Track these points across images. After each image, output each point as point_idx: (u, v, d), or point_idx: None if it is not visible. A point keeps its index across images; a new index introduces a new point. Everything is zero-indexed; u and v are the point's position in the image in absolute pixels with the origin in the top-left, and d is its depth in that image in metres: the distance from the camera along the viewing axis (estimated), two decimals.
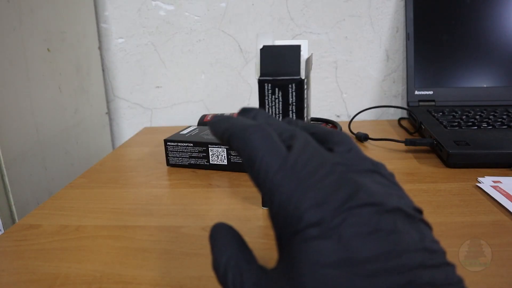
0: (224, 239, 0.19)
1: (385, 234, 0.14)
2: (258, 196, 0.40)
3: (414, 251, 0.14)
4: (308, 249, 0.14)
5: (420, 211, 0.16)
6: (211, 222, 0.35)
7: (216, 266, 0.18)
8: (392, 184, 0.17)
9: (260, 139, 0.17)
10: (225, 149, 0.45)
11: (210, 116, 0.63)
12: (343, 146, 0.18)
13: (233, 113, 0.63)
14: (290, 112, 0.33)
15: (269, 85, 0.32)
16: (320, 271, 0.14)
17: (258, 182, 0.17)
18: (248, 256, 0.18)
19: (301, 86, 0.32)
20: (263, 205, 0.37)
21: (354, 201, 0.15)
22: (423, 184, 0.41)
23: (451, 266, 0.14)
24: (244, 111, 0.21)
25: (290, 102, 0.32)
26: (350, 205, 0.15)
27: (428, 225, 0.16)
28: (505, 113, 0.56)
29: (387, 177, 0.17)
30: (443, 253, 0.15)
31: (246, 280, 0.17)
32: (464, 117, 0.56)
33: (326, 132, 0.20)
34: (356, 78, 0.73)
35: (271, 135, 0.18)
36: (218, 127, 0.20)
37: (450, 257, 0.28)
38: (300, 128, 0.21)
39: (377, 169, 0.17)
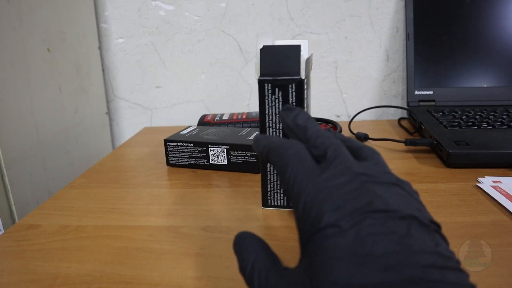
0: (250, 244, 0.21)
1: (399, 236, 0.15)
2: (258, 196, 0.40)
3: (426, 253, 0.15)
4: (327, 245, 0.16)
5: (437, 225, 0.17)
6: (211, 222, 0.35)
7: (243, 267, 0.20)
8: (413, 199, 0.18)
9: (293, 153, 0.20)
10: (225, 149, 0.45)
11: (210, 116, 0.63)
12: (371, 160, 0.20)
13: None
14: None
15: (269, 85, 0.32)
16: (338, 264, 0.15)
17: (288, 189, 0.19)
18: (273, 258, 0.20)
19: (301, 86, 0.32)
20: (263, 205, 0.37)
21: (370, 207, 0.16)
22: (423, 184, 0.41)
23: (464, 273, 0.15)
24: (287, 109, 0.23)
25: (290, 102, 0.32)
26: (366, 209, 0.16)
27: (444, 239, 0.17)
28: (505, 113, 0.56)
29: (409, 193, 0.18)
30: (457, 261, 0.15)
31: (270, 276, 0.18)
32: (464, 117, 0.56)
33: (359, 147, 0.21)
34: (356, 78, 0.73)
35: (303, 150, 0.20)
36: (259, 144, 0.23)
37: None
38: (336, 137, 0.22)
39: (399, 184, 0.18)
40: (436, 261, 0.14)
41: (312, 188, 0.18)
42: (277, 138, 0.22)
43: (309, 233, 0.17)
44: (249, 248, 0.20)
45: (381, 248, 0.15)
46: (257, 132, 0.49)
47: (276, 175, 0.35)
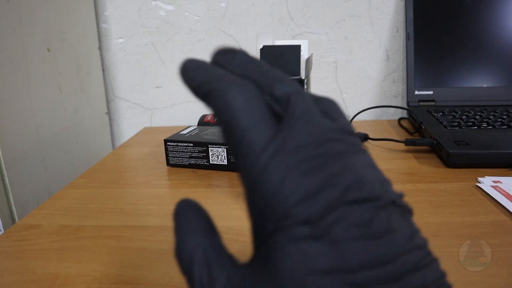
0: (191, 221, 0.16)
1: (379, 236, 0.13)
2: None
3: (407, 253, 0.13)
4: (295, 251, 0.12)
5: (402, 196, 0.15)
6: None
7: (179, 254, 0.16)
8: (376, 165, 0.15)
9: (245, 104, 0.14)
10: (225, 149, 0.45)
11: (210, 116, 0.63)
12: (337, 117, 0.15)
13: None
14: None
15: None
16: (307, 279, 0.12)
17: (237, 159, 0.14)
18: (218, 245, 0.16)
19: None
20: None
21: (350, 195, 0.13)
22: (423, 184, 0.41)
23: (436, 261, 0.14)
24: (224, 53, 0.17)
25: None
26: (345, 199, 0.13)
27: (410, 211, 0.15)
28: (505, 113, 0.56)
29: (371, 157, 0.15)
30: (427, 245, 0.14)
31: (215, 276, 0.15)
32: (464, 117, 0.56)
33: (317, 97, 0.17)
34: (356, 78, 0.73)
35: (259, 100, 0.15)
36: (193, 77, 0.16)
37: (450, 257, 0.28)
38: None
39: (364, 148, 0.15)
40: (417, 262, 0.13)
41: (273, 165, 0.13)
42: (218, 70, 0.16)
43: (268, 229, 0.13)
44: (190, 227, 0.16)
45: (360, 257, 0.12)
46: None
47: None
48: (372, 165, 0.14)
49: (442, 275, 0.14)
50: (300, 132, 0.14)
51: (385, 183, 0.14)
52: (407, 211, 0.14)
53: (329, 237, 0.12)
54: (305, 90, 0.18)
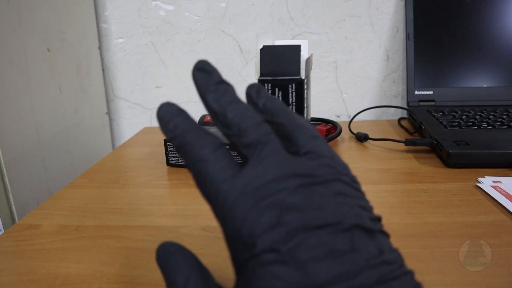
0: (177, 259, 0.18)
1: (341, 254, 0.14)
2: None
3: (372, 268, 0.14)
4: (265, 274, 0.14)
5: (379, 219, 0.16)
6: (211, 222, 0.35)
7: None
8: (355, 192, 0.16)
9: (210, 155, 0.17)
10: None
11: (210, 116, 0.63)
12: (308, 151, 0.17)
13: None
14: None
15: (269, 85, 0.32)
16: None
17: (211, 203, 0.16)
18: (206, 276, 0.17)
19: (301, 86, 0.32)
20: None
21: (310, 222, 0.14)
22: (423, 184, 0.41)
23: (409, 274, 0.15)
24: (203, 71, 0.19)
25: (290, 102, 0.32)
26: (305, 226, 0.14)
27: (386, 234, 0.16)
28: (505, 113, 0.56)
29: (350, 183, 0.17)
30: (401, 261, 0.15)
31: None
32: (464, 117, 0.56)
33: (294, 127, 0.18)
34: (356, 78, 0.73)
35: (222, 150, 0.17)
36: (167, 129, 0.18)
37: (450, 257, 0.28)
38: (269, 115, 0.19)
39: (339, 177, 0.17)
40: (382, 275, 0.14)
41: (240, 202, 0.15)
42: (187, 124, 0.18)
43: (242, 257, 0.15)
44: (177, 266, 0.17)
45: (324, 275, 0.13)
46: None
47: None
48: (341, 193, 0.16)
49: (416, 286, 0.14)
50: (264, 171, 0.16)
51: (353, 207, 0.15)
52: (377, 232, 0.15)
53: (294, 259, 0.14)
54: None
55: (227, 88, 0.19)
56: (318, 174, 0.16)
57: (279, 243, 0.14)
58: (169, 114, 0.18)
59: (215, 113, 0.18)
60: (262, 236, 0.14)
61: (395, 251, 0.15)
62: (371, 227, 0.15)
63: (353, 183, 0.17)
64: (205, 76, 0.19)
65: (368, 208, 0.16)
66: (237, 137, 0.17)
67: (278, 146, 0.17)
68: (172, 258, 0.18)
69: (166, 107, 0.19)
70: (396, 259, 0.15)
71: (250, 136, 0.17)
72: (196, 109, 0.76)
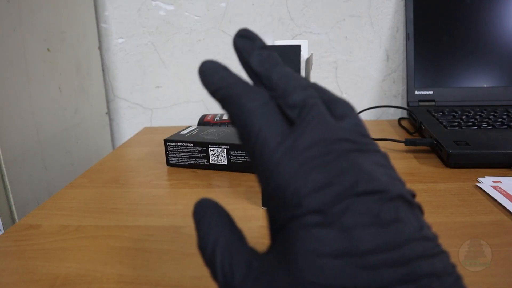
0: (212, 216, 0.17)
1: (387, 224, 0.13)
2: (258, 196, 0.40)
3: (415, 241, 0.14)
4: (308, 236, 0.13)
5: (414, 195, 0.16)
6: None
7: (202, 246, 0.17)
8: (392, 167, 0.16)
9: (259, 109, 0.16)
10: (225, 149, 0.45)
11: (210, 116, 0.63)
12: (349, 119, 0.17)
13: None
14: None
15: None
16: (320, 261, 0.13)
17: (254, 158, 0.16)
18: (238, 236, 0.17)
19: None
20: (263, 205, 0.37)
21: (358, 187, 0.14)
22: (423, 184, 0.41)
23: (446, 254, 0.14)
24: (246, 37, 0.18)
25: None
26: (354, 191, 0.14)
27: (421, 210, 0.16)
28: (505, 113, 0.56)
29: (386, 158, 0.16)
30: (437, 239, 0.15)
31: (236, 262, 0.16)
32: (464, 117, 0.56)
33: (333, 99, 0.18)
34: (356, 78, 0.73)
35: (272, 105, 0.16)
36: (211, 82, 0.18)
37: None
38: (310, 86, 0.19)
39: (378, 149, 0.16)
40: (425, 250, 0.14)
41: (286, 160, 0.15)
42: (234, 77, 0.17)
43: (284, 217, 0.14)
44: (210, 223, 0.17)
45: (369, 242, 0.13)
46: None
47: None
48: (382, 164, 0.15)
49: (452, 266, 0.14)
50: (311, 133, 0.15)
51: (395, 179, 0.15)
52: (416, 207, 0.15)
53: (339, 224, 0.13)
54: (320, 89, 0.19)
55: (271, 53, 0.18)
56: (363, 142, 0.16)
57: (326, 205, 0.14)
58: (214, 68, 0.18)
59: (259, 75, 0.17)
60: (309, 197, 0.14)
61: (430, 227, 0.15)
62: (412, 201, 0.15)
63: (388, 158, 0.17)
64: (248, 42, 0.18)
65: (403, 182, 0.16)
66: (282, 98, 0.17)
67: (324, 110, 0.16)
68: (207, 214, 0.17)
69: (209, 62, 0.18)
70: (434, 236, 0.15)
71: (296, 97, 0.16)
72: (196, 109, 0.76)
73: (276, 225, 0.15)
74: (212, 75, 0.18)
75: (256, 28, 0.71)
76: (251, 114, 0.16)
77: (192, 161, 0.48)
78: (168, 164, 0.49)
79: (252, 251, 0.16)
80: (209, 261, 0.16)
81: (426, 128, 0.53)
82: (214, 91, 0.18)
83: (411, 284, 0.13)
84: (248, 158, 0.16)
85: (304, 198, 0.14)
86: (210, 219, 0.17)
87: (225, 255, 0.16)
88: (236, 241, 0.16)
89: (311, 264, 0.13)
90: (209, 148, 0.46)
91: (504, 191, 0.37)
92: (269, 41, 0.34)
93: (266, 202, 0.16)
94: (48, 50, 0.55)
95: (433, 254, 0.14)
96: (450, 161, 0.44)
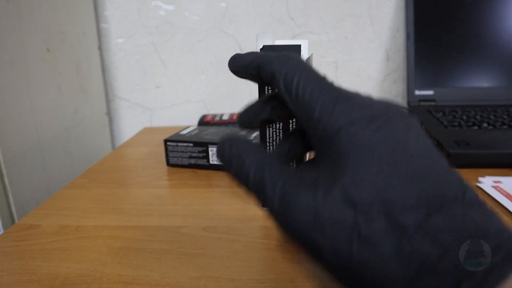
0: (250, 146, 0.18)
1: (430, 146, 0.16)
2: None
3: (445, 162, 0.16)
4: (358, 136, 0.15)
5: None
6: (211, 222, 0.35)
7: (244, 166, 0.17)
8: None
9: (297, 61, 0.18)
10: None
11: (210, 116, 0.63)
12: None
13: (234, 114, 0.63)
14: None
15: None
16: (368, 160, 0.14)
17: (293, 99, 0.17)
18: (278, 158, 0.19)
19: None
20: (263, 205, 0.37)
21: (392, 109, 0.16)
22: None
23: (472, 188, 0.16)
24: (269, 48, 0.21)
25: None
26: (390, 110, 0.16)
27: None
28: (506, 113, 0.56)
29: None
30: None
31: (283, 174, 0.16)
32: (464, 117, 0.55)
33: None
34: (356, 78, 0.73)
35: (306, 62, 0.18)
36: (244, 57, 0.20)
37: None
38: None
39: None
40: (454, 174, 0.16)
41: (331, 92, 0.17)
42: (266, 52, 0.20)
43: (332, 129, 0.16)
44: (250, 149, 0.18)
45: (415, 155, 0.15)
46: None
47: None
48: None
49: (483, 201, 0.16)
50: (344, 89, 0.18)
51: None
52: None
53: (384, 129, 0.15)
54: None
55: None
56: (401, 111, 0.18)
57: (373, 115, 0.16)
58: (241, 55, 0.20)
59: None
60: (357, 109, 0.16)
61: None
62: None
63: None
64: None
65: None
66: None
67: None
68: (242, 146, 0.18)
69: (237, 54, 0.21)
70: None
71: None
72: (196, 109, 0.76)
73: (324, 137, 0.16)
74: (243, 55, 0.20)
75: (256, 28, 0.71)
76: (289, 65, 0.18)
77: (192, 161, 0.48)
78: (168, 164, 0.49)
79: (299, 168, 0.18)
80: (255, 178, 0.17)
81: (426, 128, 0.53)
82: (250, 62, 0.20)
83: (453, 205, 0.14)
84: (289, 105, 0.18)
85: (353, 110, 0.16)
86: (243, 148, 0.18)
87: (274, 171, 0.16)
88: (279, 162, 0.17)
89: (363, 165, 0.15)
90: (209, 148, 0.46)
91: (504, 191, 0.37)
92: (269, 41, 0.34)
93: (308, 125, 0.17)
94: (48, 50, 0.55)
95: (462, 180, 0.16)
96: (450, 161, 0.44)
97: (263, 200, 0.17)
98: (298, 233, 0.15)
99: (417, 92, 0.65)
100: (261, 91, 0.32)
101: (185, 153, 0.47)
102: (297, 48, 0.31)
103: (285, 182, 0.16)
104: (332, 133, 0.16)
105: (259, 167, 0.17)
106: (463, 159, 0.44)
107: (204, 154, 0.47)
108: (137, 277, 0.27)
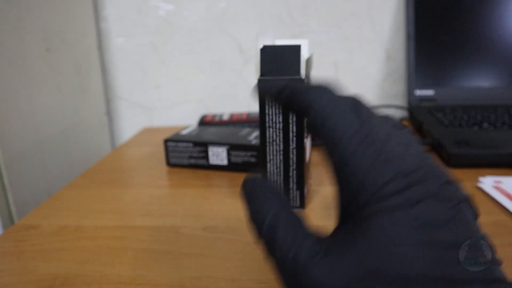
0: (266, 191, 0.17)
1: (465, 221, 0.15)
2: None
3: (478, 235, 0.15)
4: (388, 223, 0.13)
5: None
6: (211, 222, 0.34)
7: (259, 218, 0.16)
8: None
9: (330, 100, 0.16)
10: (225, 149, 0.45)
11: (210, 116, 0.63)
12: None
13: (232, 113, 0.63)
14: (290, 112, 0.32)
15: None
16: (399, 249, 0.13)
17: (328, 145, 0.16)
18: (296, 213, 0.16)
19: None
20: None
21: (435, 174, 0.15)
22: None
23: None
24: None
25: None
26: (431, 175, 0.14)
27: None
28: (506, 113, 0.56)
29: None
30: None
31: (301, 239, 0.15)
32: (465, 117, 0.55)
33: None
34: (356, 78, 0.73)
35: (339, 97, 0.16)
36: (273, 85, 0.19)
37: None
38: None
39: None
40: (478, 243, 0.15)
41: (361, 150, 0.15)
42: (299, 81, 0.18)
43: (362, 202, 0.14)
44: (267, 197, 0.17)
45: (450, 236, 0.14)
46: (257, 133, 0.49)
47: (277, 172, 0.35)
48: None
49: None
50: (381, 126, 0.16)
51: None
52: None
53: (418, 206, 0.14)
54: None
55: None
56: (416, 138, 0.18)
57: (409, 187, 0.14)
58: (267, 79, 0.20)
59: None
60: (393, 181, 0.14)
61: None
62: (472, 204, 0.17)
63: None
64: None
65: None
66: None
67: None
68: (259, 190, 0.17)
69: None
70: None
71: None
72: (196, 109, 0.76)
73: (352, 208, 0.15)
74: (272, 81, 0.19)
75: (256, 28, 0.71)
76: (323, 104, 0.17)
77: (192, 161, 0.47)
78: (168, 164, 0.49)
79: (313, 231, 0.16)
80: (268, 235, 0.16)
81: (427, 128, 0.53)
82: (280, 90, 0.19)
83: (484, 285, 0.13)
84: (324, 146, 0.16)
85: (388, 183, 0.14)
86: (265, 194, 0.17)
87: (288, 230, 0.15)
88: (297, 218, 0.16)
89: (389, 251, 0.13)
90: (209, 148, 0.46)
91: (505, 191, 0.37)
92: (269, 41, 0.33)
93: (339, 187, 0.16)
94: (47, 50, 0.55)
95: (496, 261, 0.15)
96: (451, 161, 0.44)
97: (272, 253, 0.16)
98: None
99: (417, 92, 0.65)
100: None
101: (185, 153, 0.47)
102: (297, 48, 0.31)
103: (298, 249, 0.15)
104: (362, 203, 0.14)
105: (274, 217, 0.16)
106: (463, 159, 0.44)
107: (204, 154, 0.46)
108: (137, 277, 0.27)
